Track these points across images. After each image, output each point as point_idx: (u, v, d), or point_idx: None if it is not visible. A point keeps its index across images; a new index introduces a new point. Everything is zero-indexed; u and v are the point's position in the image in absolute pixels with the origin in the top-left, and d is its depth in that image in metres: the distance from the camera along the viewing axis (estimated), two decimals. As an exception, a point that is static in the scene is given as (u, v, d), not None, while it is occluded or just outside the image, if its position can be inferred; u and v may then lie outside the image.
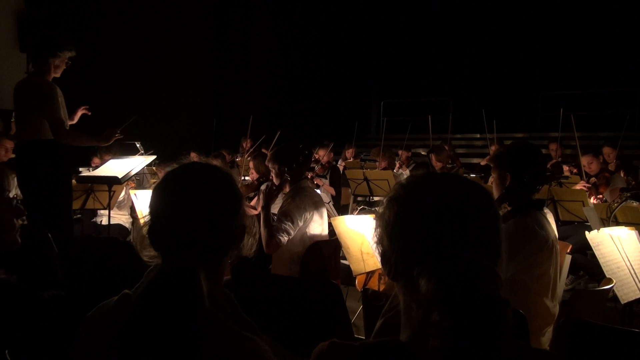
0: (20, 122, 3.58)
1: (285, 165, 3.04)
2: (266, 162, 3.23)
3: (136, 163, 4.30)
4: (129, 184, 5.03)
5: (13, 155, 4.45)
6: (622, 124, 6.95)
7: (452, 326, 0.73)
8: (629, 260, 2.47)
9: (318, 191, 4.11)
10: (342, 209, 6.15)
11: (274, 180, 3.12)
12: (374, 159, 7.41)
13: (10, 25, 7.53)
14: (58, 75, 3.63)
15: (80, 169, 5.41)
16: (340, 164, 7.73)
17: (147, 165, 4.93)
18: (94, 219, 5.32)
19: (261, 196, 2.97)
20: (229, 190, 1.06)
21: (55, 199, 3.49)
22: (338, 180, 6.49)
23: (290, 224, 2.88)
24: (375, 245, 0.93)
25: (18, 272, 1.72)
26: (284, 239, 2.87)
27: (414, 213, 0.86)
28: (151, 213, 1.03)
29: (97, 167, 5.00)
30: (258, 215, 2.93)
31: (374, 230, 0.93)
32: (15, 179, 3.73)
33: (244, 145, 8.10)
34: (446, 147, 6.97)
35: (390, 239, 0.88)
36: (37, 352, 1.28)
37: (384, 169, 6.72)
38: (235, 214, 1.05)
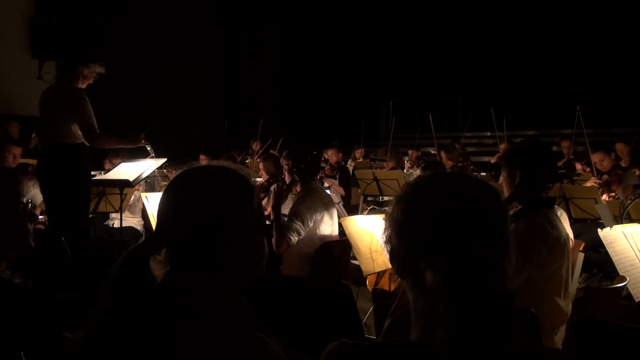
0: (46, 127, 3.61)
1: (298, 162, 3.08)
2: (281, 159, 3.27)
3: (147, 166, 4.33)
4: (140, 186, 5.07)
5: (22, 160, 4.50)
6: (636, 120, 6.84)
7: (458, 317, 0.74)
8: (642, 258, 2.44)
9: (328, 191, 4.12)
10: (352, 209, 6.14)
11: (286, 176, 3.15)
12: (383, 159, 7.39)
13: (21, 32, 7.60)
14: (84, 87, 3.67)
15: (93, 172, 5.46)
16: (350, 164, 7.72)
17: (157, 168, 4.97)
18: (106, 222, 5.37)
19: (271, 196, 3.01)
20: (234, 191, 1.03)
21: (76, 202, 3.54)
22: (348, 181, 6.49)
23: (300, 223, 2.91)
24: (384, 244, 0.94)
25: (33, 275, 1.74)
26: (294, 238, 2.89)
27: (421, 208, 0.88)
28: (158, 216, 1.04)
29: (109, 170, 5.04)
30: (267, 216, 2.96)
31: (383, 230, 0.94)
32: (35, 183, 3.79)
33: (253, 147, 8.13)
34: (457, 146, 6.94)
35: (398, 235, 0.90)
36: (52, 354, 1.30)
37: (392, 168, 6.71)
38: (243, 214, 1.02)
